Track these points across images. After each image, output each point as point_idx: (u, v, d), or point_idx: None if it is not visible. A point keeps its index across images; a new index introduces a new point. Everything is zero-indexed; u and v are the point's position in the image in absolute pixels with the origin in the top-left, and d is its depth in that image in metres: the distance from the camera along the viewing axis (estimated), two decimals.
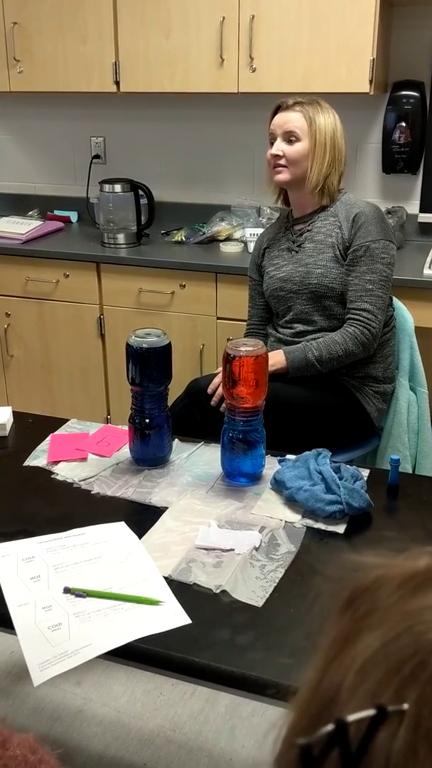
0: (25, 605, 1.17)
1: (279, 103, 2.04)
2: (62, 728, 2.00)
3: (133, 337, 1.52)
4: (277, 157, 2.00)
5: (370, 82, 2.71)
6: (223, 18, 2.80)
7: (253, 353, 1.42)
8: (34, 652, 1.09)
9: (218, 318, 2.90)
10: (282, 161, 2.00)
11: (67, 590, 1.20)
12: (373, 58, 2.68)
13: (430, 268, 2.72)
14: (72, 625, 1.13)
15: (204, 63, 2.88)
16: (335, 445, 1.92)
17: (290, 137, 1.98)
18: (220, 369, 1.61)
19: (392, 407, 2.11)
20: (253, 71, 2.83)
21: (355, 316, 1.93)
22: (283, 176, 2.01)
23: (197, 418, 1.91)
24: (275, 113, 2.04)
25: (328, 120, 2.00)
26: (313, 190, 2.01)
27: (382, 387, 2.06)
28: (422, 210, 3.10)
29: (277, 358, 1.92)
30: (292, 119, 1.99)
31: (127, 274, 2.99)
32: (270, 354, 1.66)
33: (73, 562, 1.27)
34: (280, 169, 2.01)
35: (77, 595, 1.19)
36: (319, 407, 1.99)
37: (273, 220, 3.00)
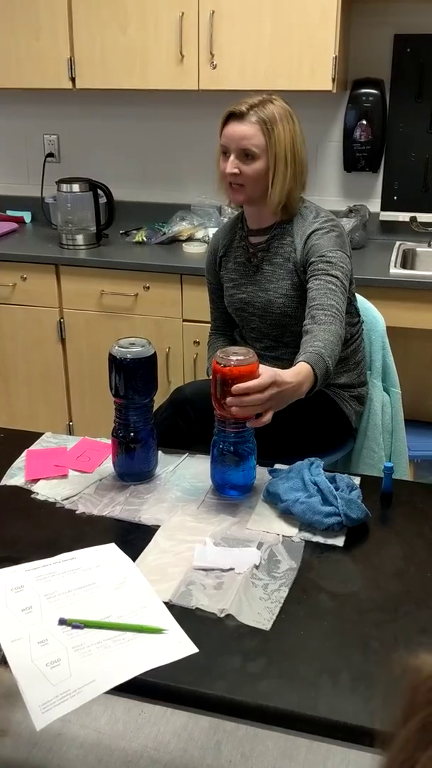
0: (19, 640, 1.10)
1: (230, 110, 1.82)
2: (42, 754, 1.92)
3: (116, 348, 1.45)
4: (233, 175, 1.82)
5: (333, 80, 2.69)
6: (182, 13, 2.74)
7: (244, 362, 1.37)
8: (34, 692, 1.02)
9: (184, 320, 2.83)
10: (239, 180, 1.83)
11: (62, 621, 1.13)
12: (336, 56, 2.66)
13: (396, 266, 2.72)
14: (72, 660, 1.06)
15: (163, 59, 2.81)
16: (314, 450, 1.89)
17: (246, 154, 1.80)
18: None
19: (366, 409, 2.09)
20: (214, 68, 2.77)
21: (326, 311, 1.69)
22: (241, 196, 1.86)
23: (182, 428, 1.85)
24: (227, 120, 1.83)
25: (286, 129, 1.82)
26: (276, 208, 1.87)
27: (357, 391, 2.03)
28: (383, 208, 3.10)
29: (304, 373, 1.50)
30: (247, 135, 1.79)
31: (88, 276, 2.90)
32: (294, 370, 1.47)
33: (65, 590, 1.20)
34: (237, 188, 1.84)
35: (74, 627, 1.12)
36: (298, 412, 1.95)
37: None
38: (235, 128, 1.80)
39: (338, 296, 1.72)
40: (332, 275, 1.75)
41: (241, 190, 1.84)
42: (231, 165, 1.81)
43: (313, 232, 1.83)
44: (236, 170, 1.81)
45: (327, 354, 1.58)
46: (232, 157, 1.81)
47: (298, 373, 1.47)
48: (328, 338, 1.62)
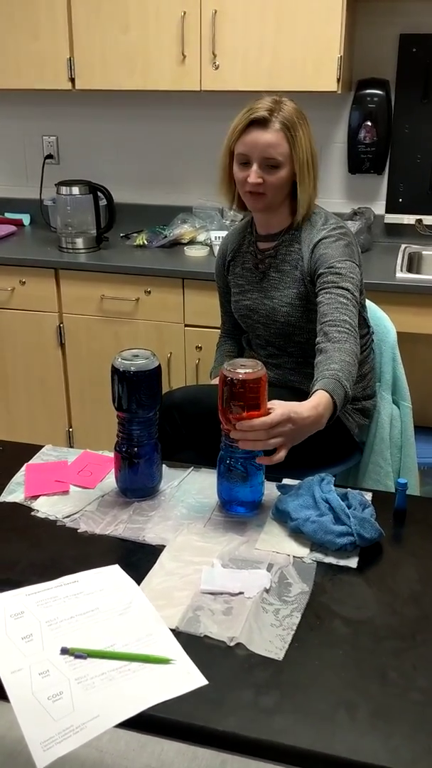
0: (19, 671, 1.04)
1: (252, 117, 1.72)
2: None
3: (119, 360, 1.40)
4: (256, 185, 1.74)
5: (338, 80, 2.64)
6: (184, 13, 2.68)
7: (253, 375, 1.32)
8: (35, 728, 0.97)
9: (186, 325, 2.78)
10: (260, 188, 1.74)
11: (65, 651, 1.08)
12: (341, 56, 2.61)
13: (402, 271, 2.67)
14: (75, 693, 1.01)
15: (164, 60, 2.76)
16: (317, 463, 1.84)
17: (271, 163, 1.72)
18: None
19: (374, 422, 2.03)
20: (216, 68, 2.72)
21: (339, 327, 1.64)
22: (261, 204, 1.79)
23: (168, 433, 1.79)
24: (247, 126, 1.73)
25: (305, 132, 1.75)
26: (302, 217, 1.80)
27: (362, 404, 1.97)
28: (388, 210, 3.05)
29: (324, 404, 1.42)
30: (272, 143, 1.70)
31: (88, 280, 2.85)
32: (313, 402, 1.39)
33: (67, 616, 1.15)
34: (258, 196, 1.76)
35: (77, 656, 1.07)
36: None
37: (237, 222, 2.91)
38: (259, 136, 1.71)
39: (350, 310, 1.66)
40: (343, 288, 1.68)
41: (261, 199, 1.77)
42: (255, 175, 1.73)
43: (320, 240, 1.77)
44: (260, 180, 1.73)
45: (344, 377, 1.51)
46: (255, 167, 1.73)
47: (317, 405, 1.40)
48: (344, 359, 1.55)
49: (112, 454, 1.50)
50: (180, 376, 2.84)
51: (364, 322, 1.92)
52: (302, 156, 1.74)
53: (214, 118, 3.00)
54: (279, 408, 1.33)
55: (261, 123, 1.72)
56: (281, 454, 1.34)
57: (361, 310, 1.88)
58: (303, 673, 1.04)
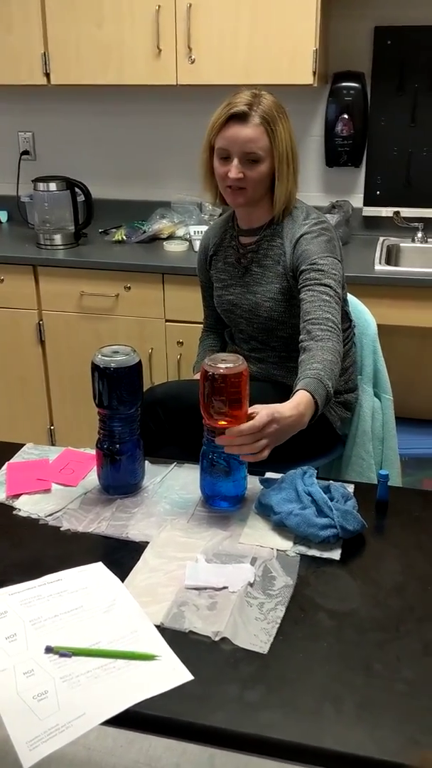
0: (3, 671, 1.04)
1: (232, 111, 1.71)
2: None
3: (99, 356, 1.39)
4: (236, 179, 1.73)
5: (314, 73, 2.64)
6: (159, 6, 2.67)
7: (234, 370, 1.31)
8: (20, 728, 0.96)
9: (167, 321, 2.78)
10: (241, 183, 1.74)
11: (49, 649, 1.07)
12: (316, 49, 2.61)
13: (380, 263, 2.68)
14: (60, 691, 1.00)
15: (140, 54, 2.74)
16: (300, 456, 1.84)
17: (251, 158, 1.72)
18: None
19: (356, 415, 2.04)
20: (192, 62, 2.71)
21: (322, 325, 1.63)
22: (242, 199, 1.78)
23: (152, 429, 1.79)
24: (227, 121, 1.71)
25: (285, 126, 1.75)
26: (279, 210, 1.80)
27: (344, 397, 1.98)
28: (366, 203, 3.06)
29: (305, 403, 1.44)
30: (253, 138, 1.70)
31: (67, 276, 2.83)
32: (294, 402, 1.41)
33: (51, 615, 1.14)
34: (238, 191, 1.76)
35: (62, 655, 1.06)
36: None
37: (216, 216, 2.90)
38: (239, 131, 1.71)
39: (333, 307, 1.67)
40: (325, 284, 1.69)
41: (242, 194, 1.77)
42: (235, 170, 1.72)
43: (302, 235, 1.77)
44: (241, 175, 1.73)
45: (326, 376, 1.52)
46: (235, 162, 1.72)
47: (298, 404, 1.42)
48: (327, 357, 1.56)
49: (93, 452, 1.49)
50: (162, 372, 2.83)
51: (346, 316, 1.93)
52: (282, 150, 1.73)
53: (191, 112, 2.99)
54: (263, 410, 1.34)
55: (240, 117, 1.71)
56: (265, 453, 1.35)
57: (343, 304, 1.89)
58: (288, 666, 1.05)
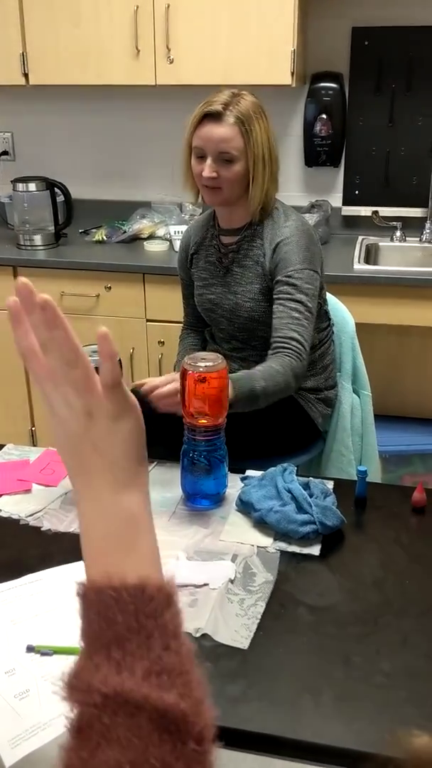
0: None
1: (206, 110, 1.72)
2: None
3: None
4: (211, 179, 1.74)
5: (292, 74, 2.65)
6: (137, 7, 2.67)
7: (213, 368, 1.32)
8: (2, 727, 0.96)
9: (148, 320, 2.78)
10: (216, 183, 1.75)
11: (30, 648, 1.08)
12: (294, 50, 2.62)
13: (360, 262, 2.70)
14: (41, 690, 1.01)
15: (118, 54, 2.75)
16: (281, 452, 1.85)
17: (225, 157, 1.73)
18: (169, 379, 1.47)
19: (336, 411, 2.06)
20: (171, 62, 2.72)
21: (286, 345, 1.69)
22: (218, 199, 1.79)
23: None
24: (201, 120, 1.73)
25: (262, 126, 1.75)
26: (255, 211, 1.81)
27: (324, 394, 2.00)
28: (345, 203, 3.08)
29: None
30: (226, 137, 1.70)
31: (47, 277, 2.82)
32: None
33: (32, 614, 1.14)
34: (214, 191, 1.77)
35: (43, 654, 1.07)
36: (263, 415, 1.91)
37: (196, 216, 2.91)
38: (213, 130, 1.71)
39: (301, 324, 1.72)
40: (297, 300, 1.73)
41: (218, 193, 1.78)
42: (209, 169, 1.73)
43: (282, 240, 1.78)
44: (215, 174, 1.73)
45: (261, 377, 1.61)
46: (209, 161, 1.73)
47: None
48: (273, 366, 1.66)
49: None
50: (143, 372, 2.83)
51: (324, 316, 1.95)
52: (258, 151, 1.74)
53: (171, 112, 2.99)
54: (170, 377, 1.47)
55: (215, 117, 1.72)
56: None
57: (322, 304, 1.91)
58: (268, 660, 1.06)
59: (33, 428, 3.06)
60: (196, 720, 0.46)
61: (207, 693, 0.49)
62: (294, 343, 1.69)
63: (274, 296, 1.76)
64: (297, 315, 1.71)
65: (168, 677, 0.48)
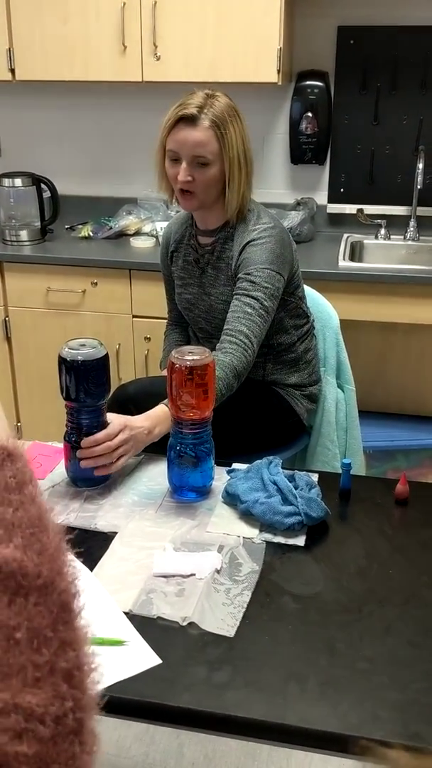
0: None
1: (180, 113, 1.70)
2: None
3: (66, 349, 1.40)
4: (186, 182, 1.73)
5: (278, 71, 2.67)
6: (124, 3, 2.68)
7: (200, 362, 1.34)
8: None
9: (134, 316, 2.79)
10: (191, 186, 1.73)
11: None
12: (280, 48, 2.64)
13: (344, 259, 2.73)
14: None
15: (105, 50, 2.75)
16: (267, 446, 1.87)
17: (200, 161, 1.71)
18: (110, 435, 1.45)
19: (320, 406, 2.08)
20: (158, 59, 2.72)
21: (232, 338, 1.68)
22: (193, 203, 1.78)
23: None
24: (177, 123, 1.72)
25: (236, 129, 1.74)
26: (233, 213, 1.80)
27: (309, 389, 2.02)
28: (330, 200, 3.10)
29: (155, 416, 1.53)
30: (201, 142, 1.69)
31: (33, 272, 2.82)
32: (146, 414, 1.52)
33: None
34: (189, 195, 1.75)
35: None
36: (248, 410, 1.93)
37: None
38: (188, 134, 1.70)
39: (252, 320, 1.71)
40: (252, 296, 1.72)
41: (193, 198, 1.76)
42: (184, 173, 1.72)
43: (248, 242, 1.78)
44: (189, 178, 1.72)
45: None
46: (184, 165, 1.72)
47: (149, 416, 1.51)
48: (217, 374, 1.57)
49: (61, 445, 1.51)
50: (129, 368, 2.84)
51: (303, 313, 1.96)
52: (233, 153, 1.73)
53: (157, 108, 2.98)
54: (115, 419, 1.44)
55: (190, 120, 1.70)
56: (120, 462, 1.44)
57: (299, 303, 1.92)
58: (254, 648, 1.08)
59: (18, 424, 3.06)
60: (41, 571, 0.45)
61: (64, 550, 0.48)
62: (241, 337, 1.68)
63: (234, 292, 1.76)
64: (250, 311, 1.71)
65: (4, 531, 0.47)
